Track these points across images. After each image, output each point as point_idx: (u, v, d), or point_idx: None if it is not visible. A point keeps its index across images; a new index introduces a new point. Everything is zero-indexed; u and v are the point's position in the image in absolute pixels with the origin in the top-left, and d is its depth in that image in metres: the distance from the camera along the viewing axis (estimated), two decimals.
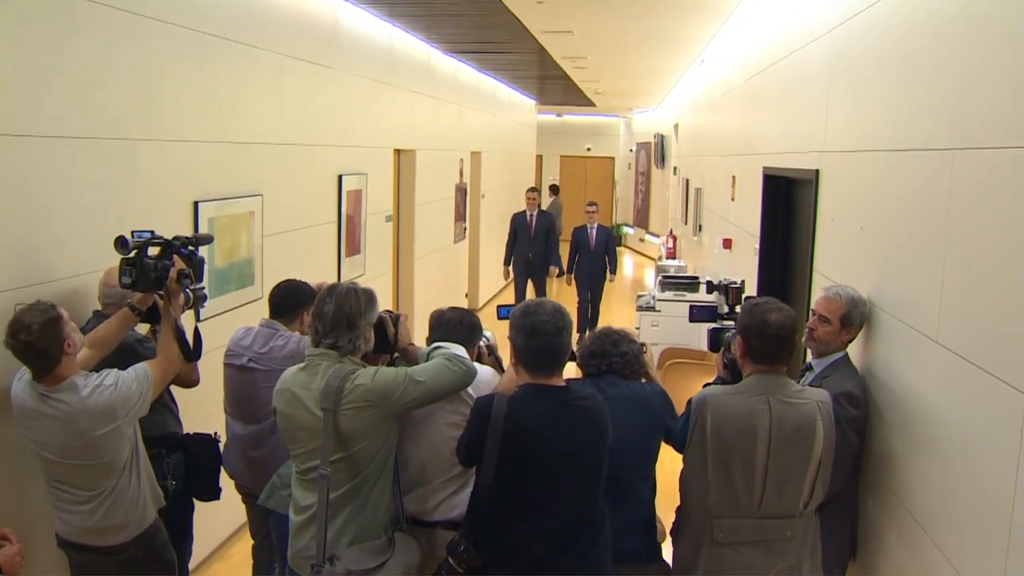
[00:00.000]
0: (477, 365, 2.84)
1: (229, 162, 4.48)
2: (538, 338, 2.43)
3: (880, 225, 3.10)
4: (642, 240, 18.46)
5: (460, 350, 2.74)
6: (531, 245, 9.27)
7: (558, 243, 9.59)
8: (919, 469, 2.61)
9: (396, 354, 2.82)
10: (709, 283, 3.64)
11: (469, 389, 2.69)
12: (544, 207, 17.30)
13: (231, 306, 4.45)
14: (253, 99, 4.71)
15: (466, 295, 10.94)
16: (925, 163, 2.67)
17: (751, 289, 5.64)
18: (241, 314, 4.45)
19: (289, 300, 3.33)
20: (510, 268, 9.45)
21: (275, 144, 5.03)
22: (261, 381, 3.17)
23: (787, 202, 5.25)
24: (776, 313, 2.65)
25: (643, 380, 3.03)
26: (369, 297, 2.60)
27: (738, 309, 3.16)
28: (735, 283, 3.48)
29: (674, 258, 11.72)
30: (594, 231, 9.27)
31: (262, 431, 3.25)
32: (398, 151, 7.82)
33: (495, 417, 2.41)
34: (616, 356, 2.92)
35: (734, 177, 7.10)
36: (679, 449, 2.81)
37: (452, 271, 10.05)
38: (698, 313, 3.57)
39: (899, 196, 2.91)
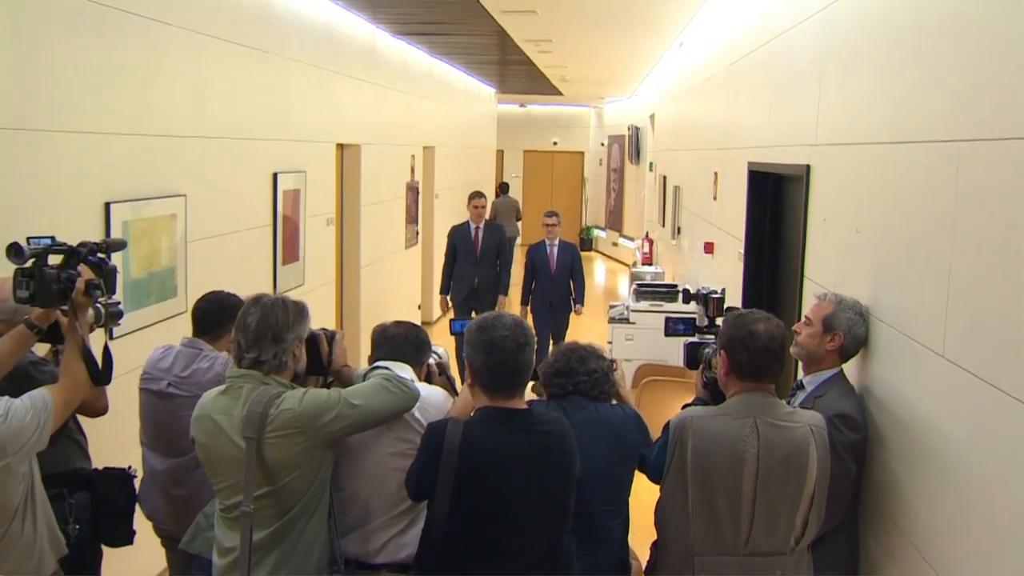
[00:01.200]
0: (426, 387, 2.81)
1: (146, 158, 4.37)
2: (496, 355, 2.43)
3: (878, 226, 3.11)
4: (615, 244, 18.56)
5: (405, 370, 2.74)
6: (476, 267, 7.88)
7: (510, 264, 8.33)
8: (926, 500, 2.61)
9: (331, 378, 2.80)
10: (686, 292, 3.65)
11: (417, 414, 2.67)
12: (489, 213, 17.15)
13: (149, 322, 4.33)
14: (170, 85, 4.60)
15: (419, 307, 10.86)
16: (928, 156, 2.68)
17: (735, 299, 5.66)
18: (161, 331, 4.34)
19: (214, 315, 3.26)
20: (448, 298, 8.03)
21: (199, 137, 4.92)
22: (183, 409, 3.08)
23: (775, 201, 5.28)
24: (764, 323, 2.65)
25: (614, 402, 3.02)
26: (299, 310, 2.61)
27: (719, 321, 3.17)
28: (715, 292, 3.48)
29: (650, 264, 11.78)
30: (555, 249, 8.02)
31: (184, 465, 3.17)
32: (341, 146, 7.75)
33: (448, 445, 2.40)
34: (583, 375, 2.93)
35: (716, 174, 7.14)
36: (655, 479, 2.79)
37: (403, 280, 10.02)
38: (674, 326, 3.56)
39: (899, 194, 2.92)
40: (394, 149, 9.38)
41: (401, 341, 2.84)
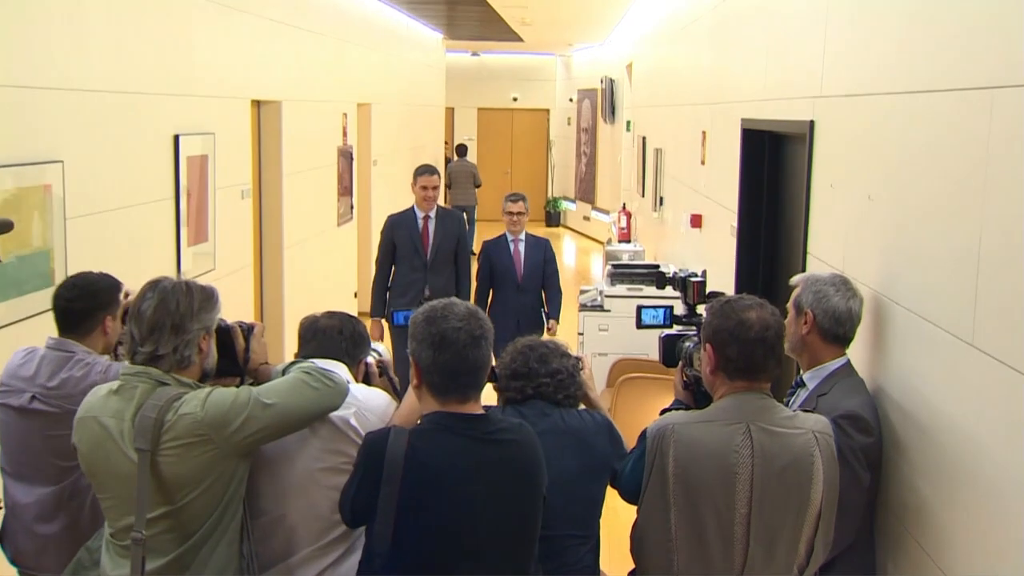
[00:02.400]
0: (365, 389, 2.79)
1: (10, 114, 4.23)
2: (447, 351, 2.45)
3: (895, 192, 3.11)
4: (587, 219, 18.62)
5: (339, 369, 2.74)
6: (428, 273, 6.73)
7: (469, 266, 7.09)
8: (957, 519, 2.61)
9: (250, 379, 2.81)
10: (660, 275, 3.64)
11: (354, 422, 2.68)
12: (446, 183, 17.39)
13: (15, 318, 4.20)
14: (42, 25, 4.45)
15: (355, 295, 10.81)
16: (955, 108, 2.67)
17: (727, 282, 5.67)
18: (32, 329, 4.21)
19: (81, 304, 3.12)
20: (384, 321, 6.73)
21: (80, 91, 4.78)
22: (51, 427, 2.99)
23: (773, 165, 5.32)
24: (756, 310, 2.65)
25: (581, 407, 3.04)
26: (206, 296, 2.62)
27: (701, 310, 3.19)
28: (695, 275, 3.48)
29: (628, 241, 11.83)
30: (521, 247, 6.97)
31: (56, 496, 3.07)
32: (257, 103, 7.67)
33: (391, 459, 2.41)
34: (545, 376, 2.96)
35: (704, 133, 7.16)
36: (629, 497, 2.79)
37: (336, 264, 9.95)
38: (648, 316, 3.54)
39: (920, 153, 2.92)
40: (322, 107, 9.30)
41: (334, 335, 2.84)
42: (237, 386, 2.72)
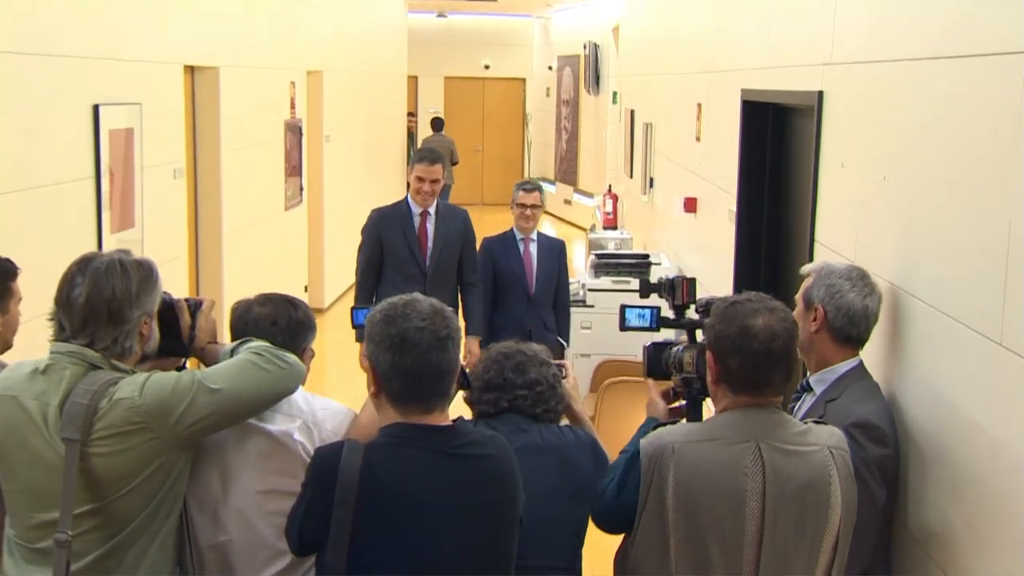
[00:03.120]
0: (315, 397, 2.79)
1: None
2: (409, 354, 2.44)
3: (914, 172, 3.11)
4: (568, 202, 18.61)
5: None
6: (427, 286, 5.79)
7: (476, 275, 6.25)
8: (986, 540, 2.61)
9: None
10: (644, 282, 3.63)
11: (298, 435, 2.69)
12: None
13: None
14: None
15: (306, 289, 10.76)
16: (985, 76, 2.66)
17: (724, 273, 5.66)
18: None
19: None
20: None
21: None
22: None
23: (777, 142, 5.32)
24: (764, 316, 2.63)
25: (564, 422, 3.05)
26: (145, 274, 2.63)
27: (691, 313, 3.21)
28: (682, 277, 3.49)
29: (614, 228, 11.83)
30: (532, 249, 6.39)
31: None
32: (191, 69, 7.61)
33: (344, 477, 2.40)
34: (522, 388, 2.98)
35: (700, 106, 7.16)
36: (609, 524, 2.78)
37: (284, 254, 9.92)
38: (633, 317, 3.53)
39: (943, 127, 2.91)
40: (266, 74, 9.24)
41: (267, 327, 2.81)
42: (179, 368, 2.79)
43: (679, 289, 3.51)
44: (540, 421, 2.98)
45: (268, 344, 2.67)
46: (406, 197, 6.20)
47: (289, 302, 2.92)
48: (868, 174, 3.51)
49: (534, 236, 6.41)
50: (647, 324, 3.51)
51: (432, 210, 6.10)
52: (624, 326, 3.57)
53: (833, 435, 2.68)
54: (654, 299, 3.43)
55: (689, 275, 3.61)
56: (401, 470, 2.44)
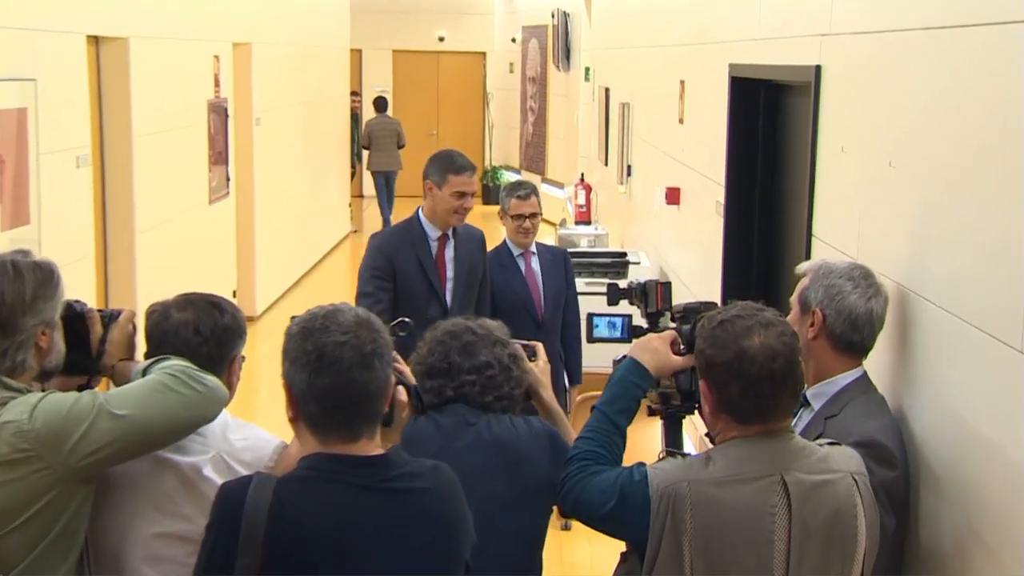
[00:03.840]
0: (238, 424, 2.78)
1: None
2: (327, 373, 2.42)
3: (924, 157, 3.12)
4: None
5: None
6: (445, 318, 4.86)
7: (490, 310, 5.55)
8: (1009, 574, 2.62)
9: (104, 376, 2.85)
10: (612, 288, 3.63)
11: (208, 471, 2.67)
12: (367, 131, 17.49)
13: None
14: None
15: (234, 294, 10.68)
16: (1003, 46, 2.67)
17: (711, 272, 5.66)
18: None
19: None
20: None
21: None
22: None
23: (769, 124, 5.35)
24: (760, 334, 2.64)
25: (527, 413, 3.05)
26: (43, 278, 2.62)
27: (665, 321, 3.23)
28: (656, 281, 3.49)
29: (587, 222, 11.85)
30: (535, 264, 5.94)
31: None
32: (96, 40, 7.55)
33: (250, 517, 2.37)
34: (470, 372, 2.99)
35: (682, 83, 7.18)
36: (586, 523, 2.80)
37: (208, 254, 9.87)
38: (604, 326, 3.53)
39: (955, 106, 2.92)
40: (185, 46, 9.19)
41: (188, 336, 2.78)
42: (81, 388, 2.71)
43: (652, 294, 3.51)
44: (490, 411, 2.97)
45: (187, 364, 2.63)
46: (416, 215, 5.32)
47: (214, 305, 2.89)
48: (872, 159, 3.52)
49: (534, 248, 5.90)
50: (617, 334, 3.50)
51: (450, 235, 5.35)
52: (592, 337, 3.57)
53: (852, 459, 2.72)
54: (625, 306, 3.43)
55: (670, 276, 3.62)
56: (318, 508, 2.41)
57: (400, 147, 16.61)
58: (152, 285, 8.10)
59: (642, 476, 2.71)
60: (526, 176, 19.09)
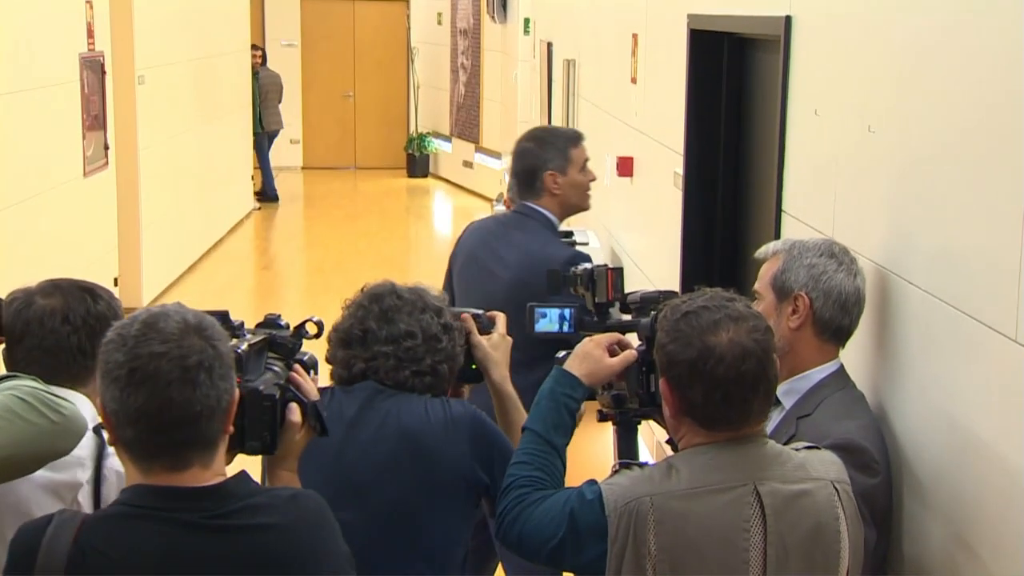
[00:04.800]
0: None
1: None
2: (142, 392, 2.34)
3: (908, 122, 3.13)
4: (468, 165, 18.61)
5: (76, 399, 2.71)
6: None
7: None
8: None
9: None
10: (553, 274, 3.62)
11: (83, 497, 2.68)
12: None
13: None
14: None
15: (115, 283, 10.60)
16: None
17: (671, 252, 5.67)
18: None
19: None
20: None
21: None
22: None
23: (734, 84, 5.37)
24: (730, 328, 2.63)
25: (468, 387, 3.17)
26: None
27: (615, 312, 3.26)
28: (605, 266, 3.47)
29: None
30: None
31: None
32: None
33: (47, 565, 2.30)
34: (386, 343, 3.00)
35: (635, 37, 7.17)
36: (531, 559, 2.81)
37: (83, 235, 9.82)
38: (545, 320, 3.51)
39: (944, 59, 2.94)
40: None
41: (56, 326, 2.79)
42: None
43: (601, 282, 3.49)
44: (406, 390, 2.99)
45: (37, 385, 2.59)
46: (543, 214, 4.83)
47: (85, 290, 2.87)
48: (849, 123, 3.53)
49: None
50: (560, 329, 3.48)
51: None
52: (535, 331, 3.55)
53: (832, 464, 2.72)
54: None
55: (623, 259, 3.62)
56: (130, 555, 2.34)
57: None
58: (14, 273, 7.96)
59: (595, 495, 2.68)
60: (458, 145, 19.09)
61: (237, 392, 2.44)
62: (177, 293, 11.90)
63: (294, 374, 2.69)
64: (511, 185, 4.92)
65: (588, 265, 3.53)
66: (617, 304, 3.45)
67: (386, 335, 3.01)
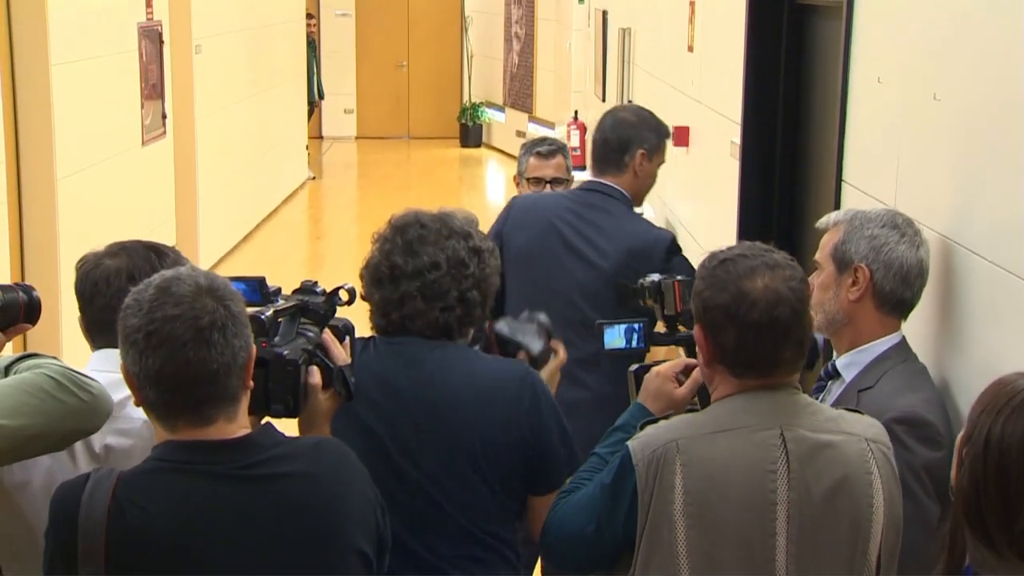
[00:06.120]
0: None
1: None
2: (157, 353, 2.40)
3: (973, 90, 3.10)
4: (521, 134, 18.57)
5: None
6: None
7: None
8: None
9: None
10: (620, 288, 3.60)
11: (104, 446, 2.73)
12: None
13: None
14: None
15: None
16: None
17: (728, 224, 5.66)
18: None
19: None
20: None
21: None
22: None
23: (794, 52, 5.33)
24: (764, 275, 2.66)
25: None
26: None
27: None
28: (673, 278, 3.42)
29: (583, 168, 11.74)
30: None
31: None
32: None
33: (87, 521, 2.36)
34: (412, 277, 2.98)
35: (692, 5, 7.14)
36: (572, 566, 2.82)
37: (142, 203, 9.86)
38: (613, 336, 3.44)
39: (1014, 29, 2.90)
40: None
41: (123, 283, 2.76)
42: None
43: (669, 294, 3.45)
44: (444, 333, 2.99)
45: (62, 365, 2.61)
46: (622, 193, 4.69)
47: (151, 249, 2.88)
48: (913, 91, 3.51)
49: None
50: (632, 345, 3.41)
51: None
52: (605, 349, 3.50)
53: (872, 426, 2.71)
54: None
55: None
56: (166, 507, 2.40)
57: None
58: (77, 240, 8.06)
59: (624, 456, 2.69)
60: (511, 114, 19.11)
61: (254, 349, 2.49)
62: (233, 261, 11.98)
63: (325, 338, 2.73)
64: (592, 157, 4.67)
65: (655, 277, 3.48)
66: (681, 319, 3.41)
67: (412, 268, 2.97)
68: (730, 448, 2.63)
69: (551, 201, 4.81)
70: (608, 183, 4.56)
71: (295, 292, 2.85)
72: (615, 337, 3.39)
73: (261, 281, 2.81)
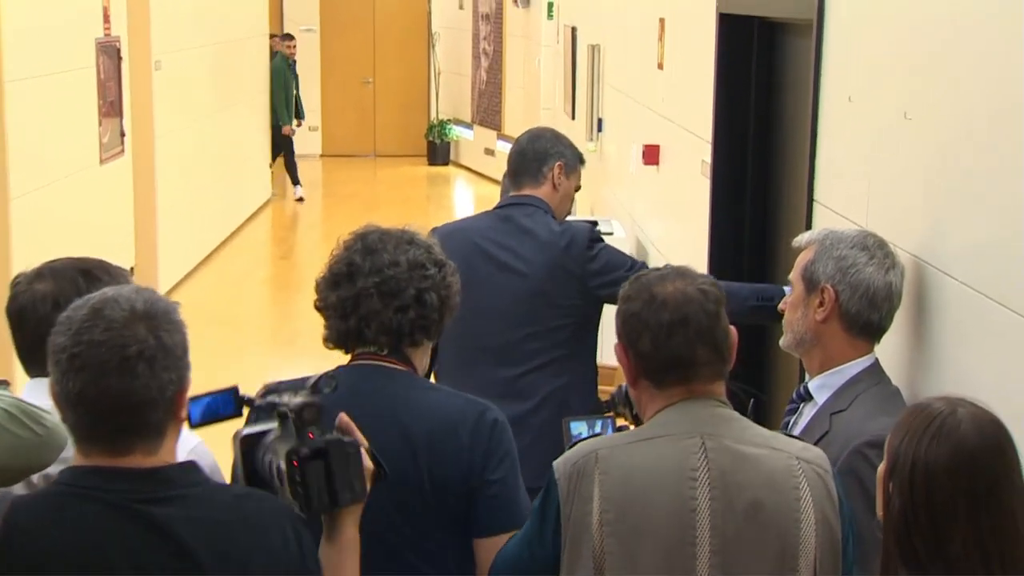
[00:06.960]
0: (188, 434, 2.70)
1: None
2: (79, 378, 2.36)
3: (946, 108, 3.11)
4: (489, 152, 18.61)
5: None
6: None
7: None
8: None
9: None
10: (607, 401, 3.68)
11: None
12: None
13: None
14: None
15: (132, 271, 10.63)
16: None
17: (699, 244, 5.66)
18: None
19: None
20: None
21: None
22: None
23: (765, 70, 5.35)
24: (676, 281, 2.73)
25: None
26: None
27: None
28: None
29: None
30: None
31: None
32: None
33: None
34: (370, 274, 2.95)
35: (662, 22, 7.17)
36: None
37: (100, 223, 9.83)
38: (578, 433, 3.42)
39: (986, 47, 2.91)
40: None
41: (47, 311, 2.75)
42: None
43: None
44: (399, 336, 2.95)
45: (17, 398, 2.59)
46: (542, 202, 4.68)
47: (83, 272, 2.86)
48: (884, 110, 3.51)
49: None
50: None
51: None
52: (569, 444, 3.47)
53: (808, 449, 2.71)
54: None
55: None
56: (55, 533, 2.34)
57: None
58: (31, 262, 8.01)
59: (549, 475, 2.70)
60: (479, 132, 19.12)
61: (188, 382, 2.43)
62: (194, 282, 11.94)
63: (342, 422, 2.62)
64: (509, 171, 4.74)
65: (623, 385, 3.48)
66: None
67: (370, 266, 2.94)
68: (649, 456, 2.64)
69: (470, 223, 4.93)
70: (526, 194, 4.60)
71: (267, 394, 2.74)
72: (584, 434, 3.39)
73: (234, 391, 2.69)
